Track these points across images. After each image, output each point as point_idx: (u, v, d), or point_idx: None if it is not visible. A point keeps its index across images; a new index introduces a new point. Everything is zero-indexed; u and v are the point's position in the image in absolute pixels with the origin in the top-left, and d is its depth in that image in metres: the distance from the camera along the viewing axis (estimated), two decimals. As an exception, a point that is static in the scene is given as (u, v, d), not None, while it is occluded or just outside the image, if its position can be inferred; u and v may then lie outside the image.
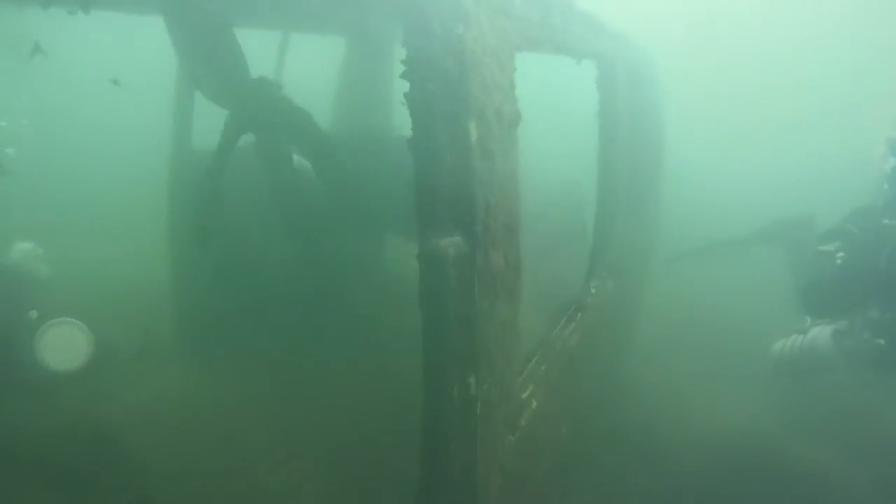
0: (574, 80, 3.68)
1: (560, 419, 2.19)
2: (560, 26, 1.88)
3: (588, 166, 2.88)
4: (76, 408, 3.31)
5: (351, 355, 3.32)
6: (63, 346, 3.43)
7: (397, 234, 3.81)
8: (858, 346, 3.25)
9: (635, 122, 4.23)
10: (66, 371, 3.43)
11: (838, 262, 3.03)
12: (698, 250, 5.69)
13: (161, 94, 4.14)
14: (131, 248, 5.60)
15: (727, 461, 4.10)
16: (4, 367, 3.25)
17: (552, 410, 2.06)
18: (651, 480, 3.81)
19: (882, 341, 3.19)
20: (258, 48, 3.42)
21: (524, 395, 1.78)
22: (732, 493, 3.69)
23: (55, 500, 2.71)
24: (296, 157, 3.46)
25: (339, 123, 4.46)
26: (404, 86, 1.27)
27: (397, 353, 2.15)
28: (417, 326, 1.35)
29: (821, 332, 3.40)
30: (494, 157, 1.35)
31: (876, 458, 4.29)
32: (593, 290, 2.57)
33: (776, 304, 5.12)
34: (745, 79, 13.60)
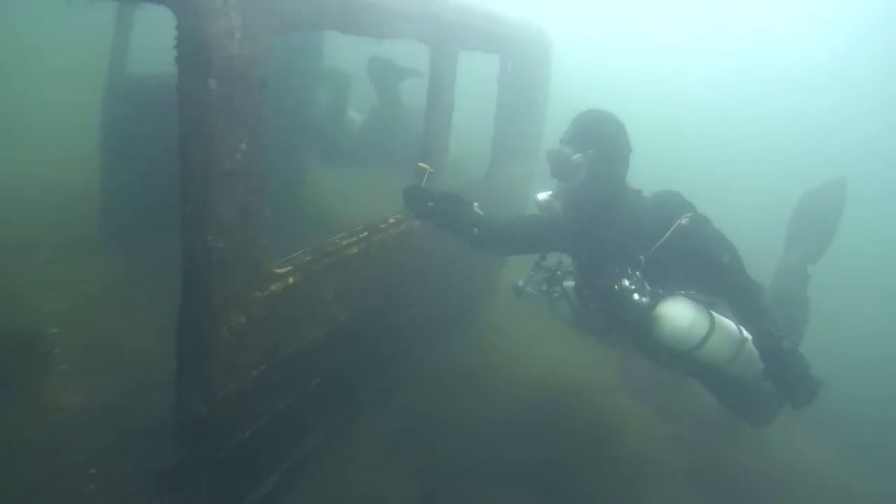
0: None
1: (332, 306, 3.21)
2: (337, 13, 2.82)
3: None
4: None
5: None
6: None
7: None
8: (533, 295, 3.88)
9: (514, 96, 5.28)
10: None
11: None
12: None
13: (103, 23, 5.06)
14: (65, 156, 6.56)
15: (554, 405, 5.12)
16: None
17: (318, 294, 3.07)
18: (472, 399, 4.82)
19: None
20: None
21: (280, 270, 2.79)
22: (545, 431, 4.58)
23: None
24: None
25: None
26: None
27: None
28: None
29: None
30: (234, 100, 2.32)
31: (673, 418, 5.35)
32: (391, 220, 3.60)
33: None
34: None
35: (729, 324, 3.45)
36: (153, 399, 3.16)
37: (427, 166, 3.46)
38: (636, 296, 3.25)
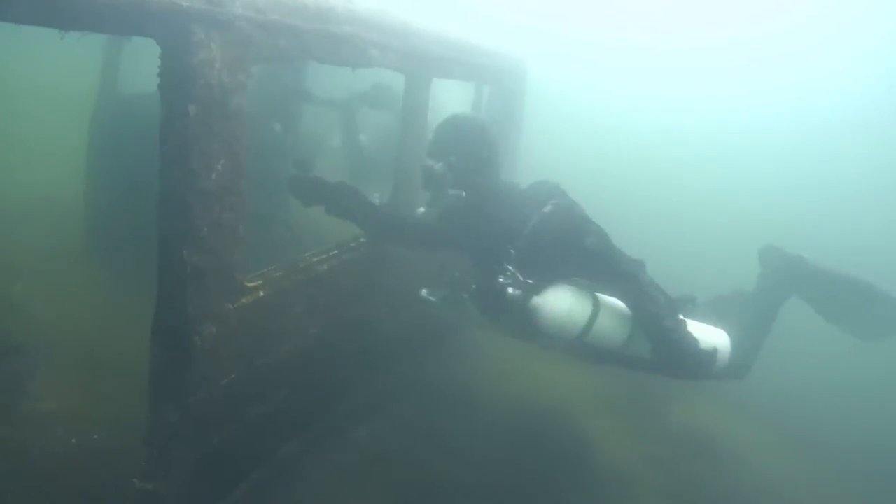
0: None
1: (303, 320, 3.40)
2: (314, 45, 3.06)
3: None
4: None
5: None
6: None
7: None
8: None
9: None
10: None
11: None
12: None
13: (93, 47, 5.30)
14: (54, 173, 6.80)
15: (534, 423, 5.26)
16: None
17: (287, 308, 3.27)
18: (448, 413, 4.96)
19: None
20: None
21: (250, 284, 3.00)
22: (524, 449, 4.70)
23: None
24: None
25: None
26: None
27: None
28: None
29: None
30: (211, 125, 2.55)
31: (651, 439, 5.50)
32: (361, 239, 3.81)
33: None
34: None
35: (620, 305, 3.45)
36: (134, 405, 3.33)
37: (308, 160, 3.56)
38: (510, 289, 3.31)
